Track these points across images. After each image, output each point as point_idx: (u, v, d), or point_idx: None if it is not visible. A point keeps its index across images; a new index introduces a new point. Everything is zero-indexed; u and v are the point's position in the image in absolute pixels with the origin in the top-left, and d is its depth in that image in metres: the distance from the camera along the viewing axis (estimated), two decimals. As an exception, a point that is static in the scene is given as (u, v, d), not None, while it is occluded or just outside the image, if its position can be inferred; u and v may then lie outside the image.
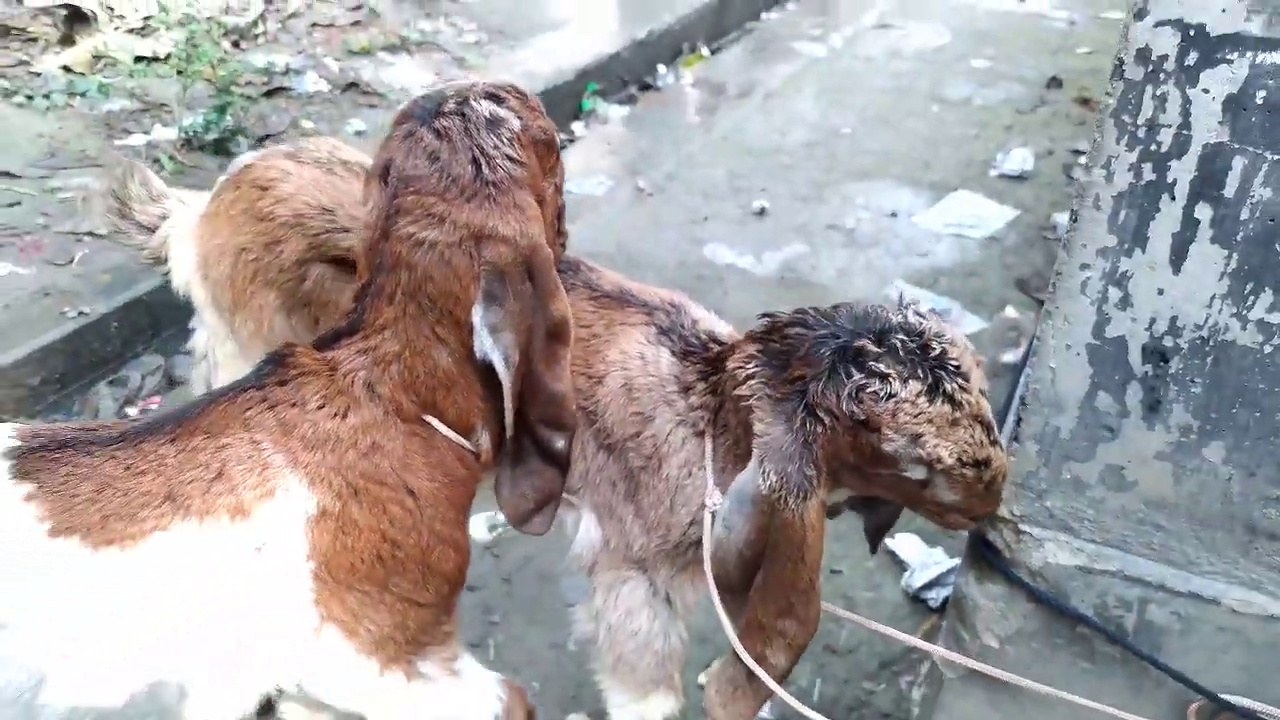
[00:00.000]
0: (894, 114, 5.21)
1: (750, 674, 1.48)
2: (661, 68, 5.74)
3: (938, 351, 1.29)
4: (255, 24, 5.29)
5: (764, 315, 1.48)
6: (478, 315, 1.31)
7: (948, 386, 1.28)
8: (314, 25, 5.49)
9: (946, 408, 1.28)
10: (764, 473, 1.34)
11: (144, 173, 1.93)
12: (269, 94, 4.67)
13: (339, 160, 1.79)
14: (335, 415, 1.31)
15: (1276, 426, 1.26)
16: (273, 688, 1.34)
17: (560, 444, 1.44)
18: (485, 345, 1.32)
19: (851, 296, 3.66)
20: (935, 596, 2.44)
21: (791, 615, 1.43)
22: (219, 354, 1.89)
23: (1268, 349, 1.22)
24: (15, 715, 1.19)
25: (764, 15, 6.83)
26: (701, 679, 2.27)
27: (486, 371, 1.35)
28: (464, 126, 1.31)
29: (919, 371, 1.28)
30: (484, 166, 1.30)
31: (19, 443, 1.25)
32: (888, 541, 2.62)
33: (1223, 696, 1.40)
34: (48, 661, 1.20)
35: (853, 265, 3.91)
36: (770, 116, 5.14)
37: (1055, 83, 5.54)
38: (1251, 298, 1.21)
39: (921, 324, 1.32)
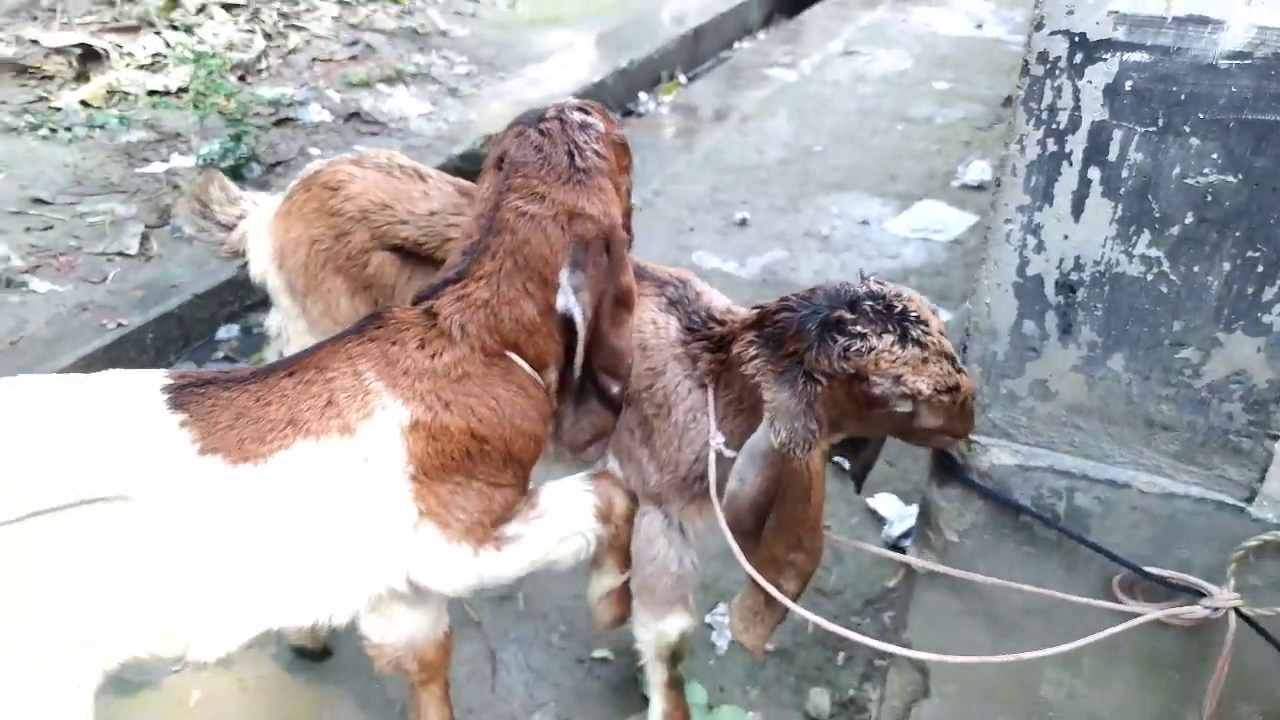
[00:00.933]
0: (861, 133, 5.54)
1: (767, 600, 1.71)
2: (642, 95, 6.05)
3: (900, 309, 1.57)
4: (259, 59, 5.59)
5: (755, 307, 1.74)
6: (564, 276, 1.60)
7: (914, 333, 1.55)
8: (314, 60, 5.77)
9: (916, 350, 1.55)
10: (775, 430, 1.58)
11: (222, 180, 2.21)
12: (277, 124, 4.95)
13: (397, 165, 2.05)
14: (433, 355, 1.57)
15: (1160, 338, 1.56)
16: (383, 585, 1.59)
17: (615, 389, 1.72)
18: (569, 301, 1.60)
19: (828, 292, 4.01)
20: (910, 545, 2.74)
21: (800, 549, 1.67)
22: (290, 331, 2.14)
23: (1149, 277, 1.53)
24: (179, 589, 1.48)
25: (736, 45, 7.18)
26: (706, 619, 2.56)
27: (561, 324, 1.63)
28: (561, 128, 1.63)
29: (889, 326, 1.55)
30: (576, 157, 1.61)
31: (171, 381, 1.51)
32: (869, 501, 2.91)
33: (1141, 567, 1.67)
34: (197, 556, 1.48)
35: (828, 268, 4.22)
36: (747, 137, 5.47)
37: (1010, 102, 5.84)
38: (1135, 238, 1.51)
39: (883, 289, 1.60)
